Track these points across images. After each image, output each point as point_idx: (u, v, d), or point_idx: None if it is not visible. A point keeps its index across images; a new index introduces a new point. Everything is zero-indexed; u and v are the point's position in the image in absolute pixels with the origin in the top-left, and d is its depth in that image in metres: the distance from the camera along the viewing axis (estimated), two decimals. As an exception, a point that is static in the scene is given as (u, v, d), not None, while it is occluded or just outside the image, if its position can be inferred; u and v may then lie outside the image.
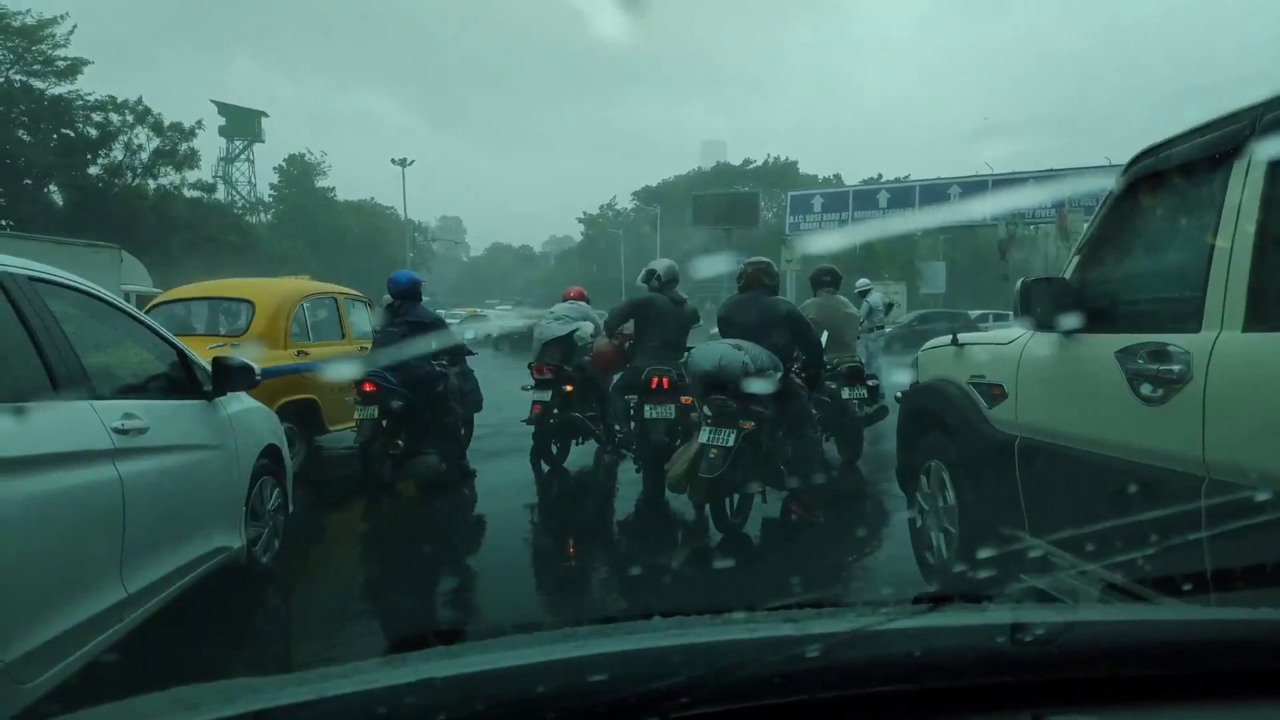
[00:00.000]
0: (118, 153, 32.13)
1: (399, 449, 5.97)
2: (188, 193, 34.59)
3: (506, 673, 0.87)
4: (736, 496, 4.71)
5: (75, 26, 29.65)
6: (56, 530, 2.26)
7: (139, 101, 32.26)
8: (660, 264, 6.11)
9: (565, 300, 6.88)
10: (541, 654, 0.94)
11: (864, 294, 10.48)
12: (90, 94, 30.87)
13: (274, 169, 47.26)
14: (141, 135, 32.64)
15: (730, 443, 4.38)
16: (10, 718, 2.00)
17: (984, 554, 3.01)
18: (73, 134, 30.58)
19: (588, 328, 6.49)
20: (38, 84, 29.60)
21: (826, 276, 7.16)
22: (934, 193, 28.80)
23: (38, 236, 14.30)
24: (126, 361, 3.18)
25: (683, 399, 5.27)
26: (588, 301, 6.98)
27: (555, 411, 6.23)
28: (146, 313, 4.45)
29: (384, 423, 5.84)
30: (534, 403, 6.25)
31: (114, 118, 31.67)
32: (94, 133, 30.97)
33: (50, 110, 29.84)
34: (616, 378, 6.14)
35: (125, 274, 13.63)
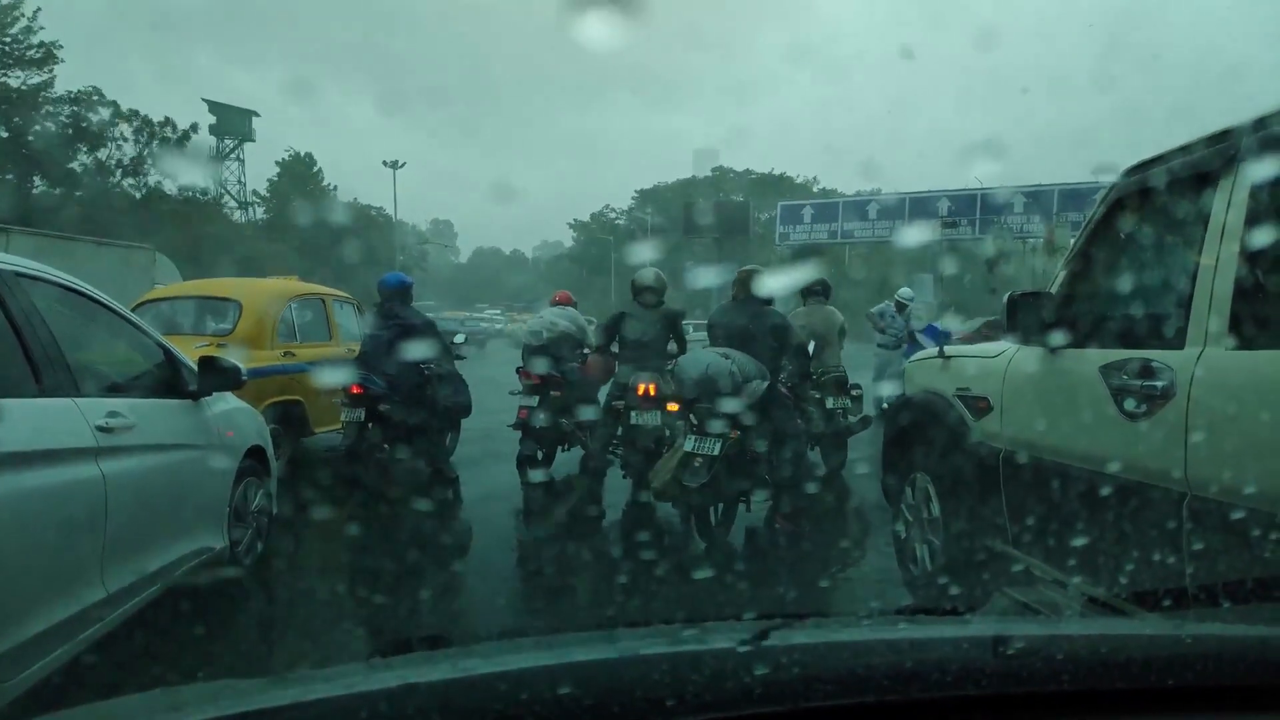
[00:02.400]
0: (106, 151, 31.75)
1: (385, 452, 5.95)
2: (177, 191, 34.28)
3: (489, 679, 0.87)
4: (720, 506, 4.72)
5: (39, 9, 29.17)
6: (37, 528, 2.24)
7: (99, 95, 31.67)
8: (640, 274, 6.16)
9: (553, 305, 6.90)
10: (525, 661, 0.94)
11: (902, 307, 9.59)
12: (55, 88, 30.42)
13: (276, 163, 46.82)
14: (127, 132, 32.24)
15: (715, 451, 4.39)
16: None
17: (967, 567, 3.04)
18: (53, 127, 30.22)
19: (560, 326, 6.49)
20: (15, 75, 29.19)
21: (817, 286, 7.17)
22: (923, 205, 29.02)
23: (80, 237, 14.48)
24: (112, 359, 3.16)
25: (668, 405, 5.28)
26: (575, 306, 6.99)
27: (542, 417, 6.22)
28: (133, 311, 4.41)
29: (370, 425, 5.81)
30: (520, 408, 6.25)
31: (92, 115, 31.26)
32: (70, 128, 30.58)
33: (26, 102, 29.44)
34: (605, 391, 6.16)
35: (159, 274, 13.80)
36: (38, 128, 29.79)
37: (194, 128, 34.42)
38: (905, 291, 10.07)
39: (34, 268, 2.61)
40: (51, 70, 29.73)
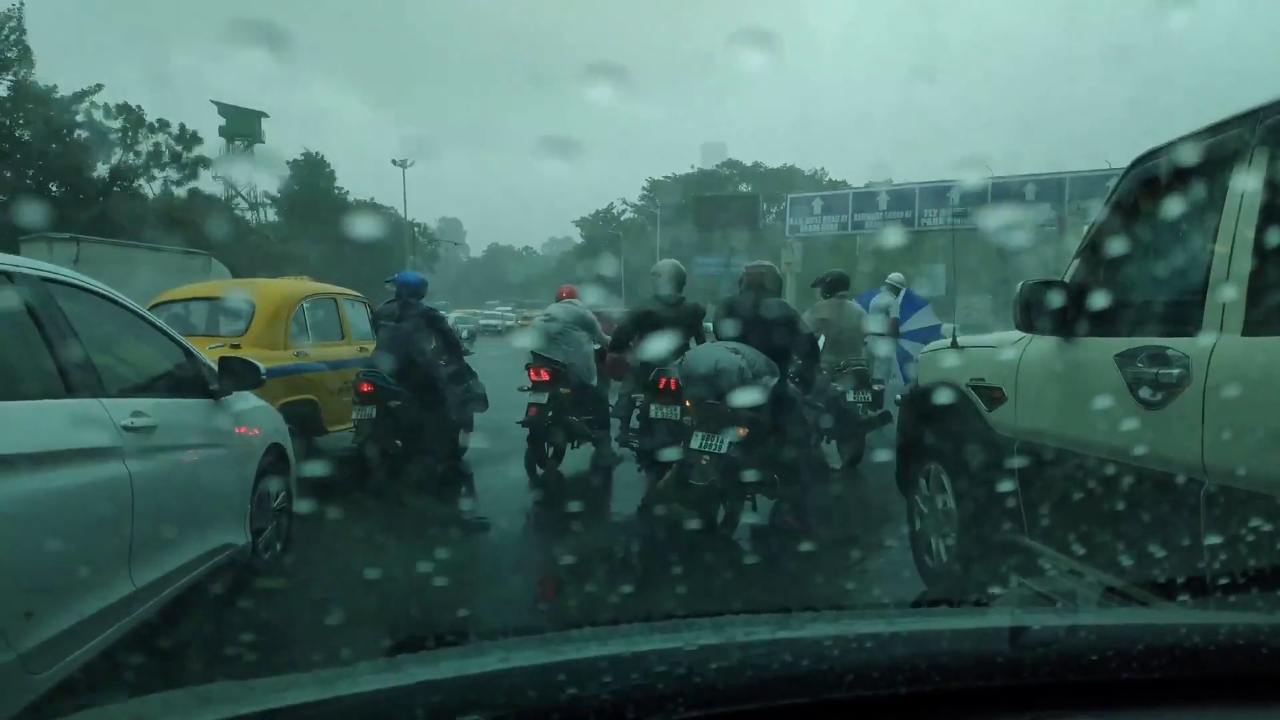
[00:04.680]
0: (121, 154, 31.86)
1: (397, 449, 5.97)
2: (187, 194, 34.39)
3: (505, 676, 0.88)
4: (727, 504, 4.66)
5: (22, 2, 28.85)
6: (67, 525, 2.28)
7: (92, 92, 31.52)
8: (659, 267, 6.10)
9: (559, 300, 6.88)
10: (539, 658, 0.94)
11: (896, 290, 9.42)
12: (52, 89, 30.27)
13: (288, 163, 46.86)
14: (142, 137, 32.32)
15: (722, 449, 4.32)
16: (21, 709, 2.02)
17: (983, 558, 3.03)
18: (65, 131, 30.25)
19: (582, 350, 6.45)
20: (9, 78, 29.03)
21: (839, 280, 7.14)
22: (934, 195, 28.80)
23: (138, 243, 15.07)
24: (135, 360, 3.21)
25: (687, 402, 5.27)
26: (579, 300, 6.97)
27: (550, 414, 6.22)
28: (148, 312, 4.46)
29: (382, 423, 5.84)
30: (530, 405, 6.24)
31: (97, 115, 31.23)
32: (84, 133, 30.60)
33: (41, 105, 29.44)
34: (624, 382, 6.15)
35: (214, 278, 14.20)
36: (64, 134, 29.86)
37: (196, 135, 34.38)
38: (895, 276, 9.85)
39: (59, 272, 2.65)
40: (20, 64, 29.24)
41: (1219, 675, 0.90)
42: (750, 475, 4.58)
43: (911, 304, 9.57)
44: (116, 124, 31.80)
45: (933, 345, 4.20)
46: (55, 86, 30.09)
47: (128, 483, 2.50)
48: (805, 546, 4.65)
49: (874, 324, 9.52)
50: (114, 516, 2.47)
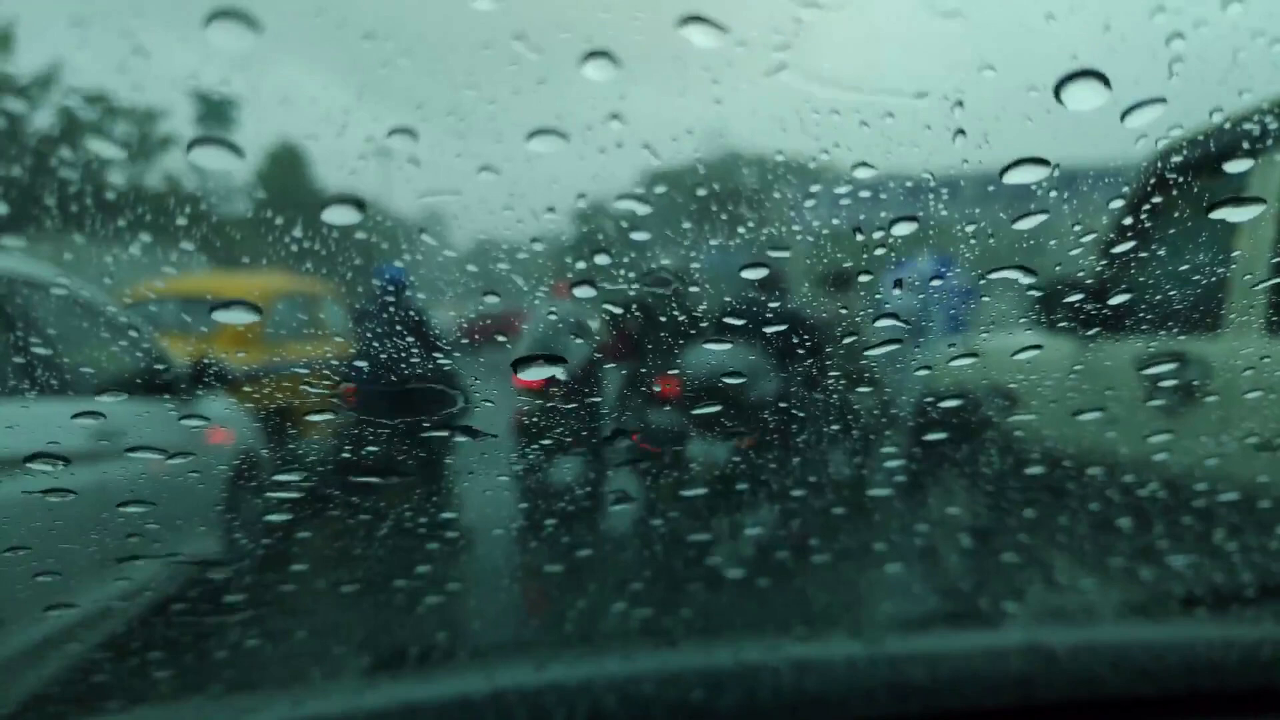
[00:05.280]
0: (90, 143, 31.73)
1: (377, 454, 5.95)
2: (155, 183, 34.29)
3: (490, 699, 0.88)
4: (726, 515, 4.66)
5: None
6: (25, 532, 2.27)
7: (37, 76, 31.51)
8: (655, 264, 6.09)
9: (552, 297, 6.86)
10: (526, 679, 0.94)
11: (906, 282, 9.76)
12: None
13: (261, 152, 46.75)
14: (109, 125, 32.19)
15: (722, 456, 4.33)
16: None
17: (997, 569, 3.04)
18: (26, 118, 30.13)
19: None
20: None
21: (847, 277, 7.13)
22: (949, 187, 28.83)
23: (109, 237, 15.00)
24: (105, 360, 3.21)
25: (685, 405, 5.25)
26: (572, 299, 6.94)
27: (543, 416, 6.20)
28: (123, 310, 4.45)
29: (365, 426, 5.82)
30: (518, 409, 6.22)
31: (71, 103, 31.15)
32: (49, 122, 30.53)
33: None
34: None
35: (187, 271, 13.98)
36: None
37: (164, 117, 34.26)
38: (905, 268, 9.79)
39: (27, 271, 2.65)
40: None
41: (1241, 690, 0.91)
42: (753, 484, 4.56)
43: (930, 274, 9.54)
44: (89, 112, 31.63)
45: (944, 344, 4.21)
46: (11, 75, 30.08)
47: (94, 488, 2.50)
48: (814, 558, 4.64)
49: (884, 322, 9.52)
50: (79, 524, 2.47)
